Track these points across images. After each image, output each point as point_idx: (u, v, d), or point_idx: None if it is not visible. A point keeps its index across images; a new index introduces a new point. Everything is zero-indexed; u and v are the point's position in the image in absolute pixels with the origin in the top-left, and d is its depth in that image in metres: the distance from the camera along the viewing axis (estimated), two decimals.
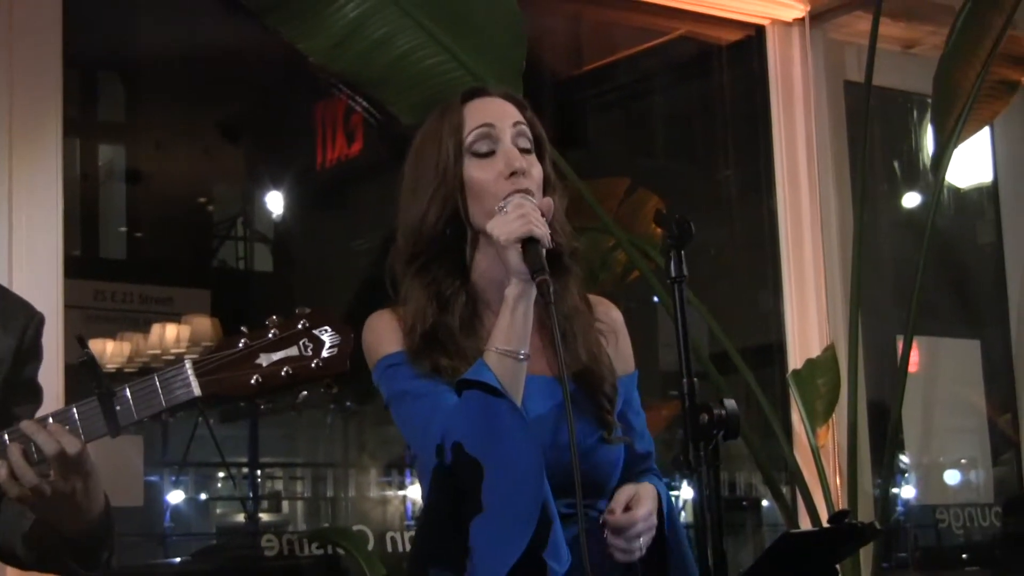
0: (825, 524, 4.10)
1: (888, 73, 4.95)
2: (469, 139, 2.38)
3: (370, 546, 4.65)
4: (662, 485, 2.45)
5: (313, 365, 1.99)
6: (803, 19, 5.06)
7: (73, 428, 2.02)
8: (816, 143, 5.00)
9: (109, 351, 6.47)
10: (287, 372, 1.98)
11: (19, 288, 3.48)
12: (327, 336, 2.00)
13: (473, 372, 2.24)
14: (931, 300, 5.06)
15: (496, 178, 2.35)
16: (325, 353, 1.99)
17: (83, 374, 2.02)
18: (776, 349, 5.02)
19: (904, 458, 5.38)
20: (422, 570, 2.30)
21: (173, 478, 7.08)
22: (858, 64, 5.03)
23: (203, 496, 8.14)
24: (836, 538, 2.35)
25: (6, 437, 2.06)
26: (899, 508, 5.51)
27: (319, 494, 8.77)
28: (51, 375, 3.39)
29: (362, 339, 2.37)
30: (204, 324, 6.23)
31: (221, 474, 8.08)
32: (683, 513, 6.07)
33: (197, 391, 1.99)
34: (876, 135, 5.38)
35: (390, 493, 7.36)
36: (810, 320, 4.94)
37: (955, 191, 5.79)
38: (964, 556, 5.72)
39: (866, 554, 4.44)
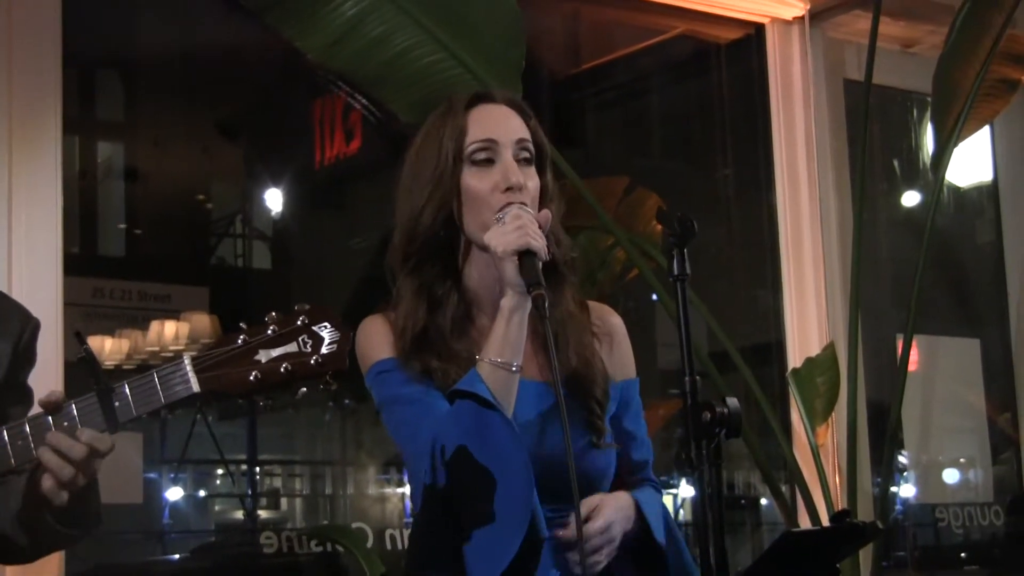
0: (826, 523, 4.11)
1: (888, 72, 4.95)
2: (470, 149, 2.37)
3: (369, 543, 4.65)
4: (658, 495, 2.44)
5: (312, 362, 1.98)
6: (803, 17, 5.05)
7: (72, 425, 2.02)
8: (815, 142, 5.00)
9: (108, 348, 6.48)
10: (286, 368, 1.98)
11: (18, 285, 3.50)
12: (326, 333, 1.99)
13: (466, 383, 2.24)
14: (931, 299, 5.06)
15: (492, 190, 2.34)
16: (324, 350, 1.99)
17: (82, 371, 2.02)
18: (775, 348, 5.02)
19: (903, 457, 5.37)
20: (418, 574, 2.31)
21: (172, 475, 7.09)
22: (858, 63, 5.03)
23: (202, 493, 8.15)
24: (837, 537, 2.34)
25: (5, 433, 2.05)
26: (898, 507, 5.51)
27: (318, 491, 8.78)
28: (51, 373, 3.39)
29: (355, 344, 2.37)
30: (203, 321, 6.23)
31: (220, 471, 8.09)
32: (682, 512, 6.08)
33: (196, 387, 1.98)
34: (876, 134, 5.38)
35: (388, 491, 7.37)
36: (809, 319, 4.93)
37: (955, 190, 5.79)
38: (963, 555, 5.72)
39: (866, 553, 4.44)
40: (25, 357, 2.39)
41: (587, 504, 2.30)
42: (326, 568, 4.84)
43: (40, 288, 3.57)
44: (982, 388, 5.58)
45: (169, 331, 6.41)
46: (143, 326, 6.55)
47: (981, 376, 5.57)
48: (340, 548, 4.64)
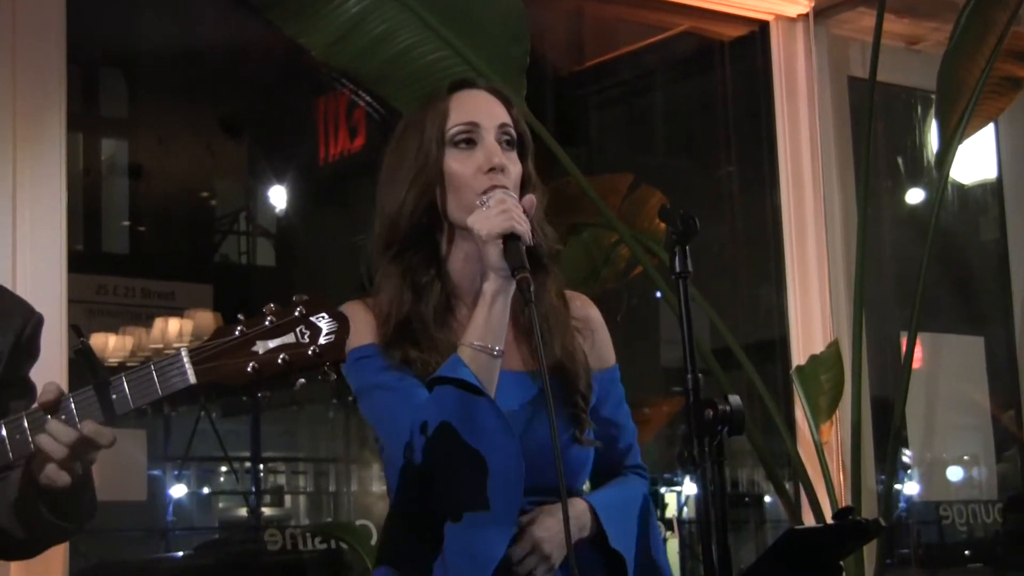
0: (829, 521, 4.11)
1: (892, 69, 4.94)
2: (452, 131, 2.36)
3: (373, 540, 4.65)
4: (642, 483, 2.43)
5: (310, 352, 1.97)
6: (807, 15, 5.05)
7: (70, 418, 2.02)
8: (819, 139, 5.00)
9: (111, 345, 6.48)
10: (284, 359, 1.97)
11: (22, 282, 3.50)
12: (324, 323, 1.98)
13: (448, 368, 2.21)
14: (935, 296, 5.06)
15: (475, 172, 2.32)
16: (322, 340, 1.97)
17: (79, 363, 2.02)
18: (779, 345, 5.02)
19: (907, 454, 5.37)
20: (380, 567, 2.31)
21: (175, 472, 7.10)
22: (862, 60, 5.03)
23: (205, 490, 8.17)
24: (841, 535, 2.34)
25: (3, 428, 2.06)
26: (902, 504, 5.51)
27: (321, 489, 8.79)
28: (54, 369, 3.40)
29: None
30: (206, 318, 6.24)
31: (223, 469, 8.10)
32: (686, 509, 6.08)
33: (193, 379, 1.97)
34: (880, 131, 5.37)
35: None
36: (814, 316, 4.93)
37: (959, 187, 5.78)
38: (967, 553, 5.72)
39: (869, 551, 4.43)
40: (27, 351, 2.39)
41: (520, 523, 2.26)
42: (330, 565, 4.84)
43: (44, 285, 3.57)
44: (986, 385, 5.58)
45: (173, 328, 6.41)
46: (147, 323, 6.55)
47: (985, 373, 5.57)
48: (344, 545, 4.63)
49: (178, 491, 7.19)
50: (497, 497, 2.18)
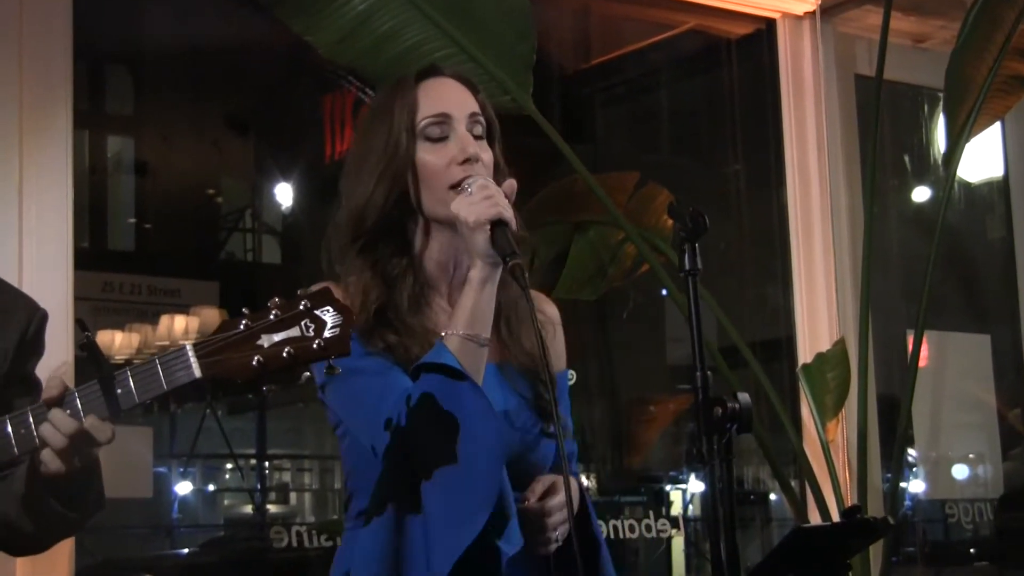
0: (836, 519, 4.11)
1: (899, 67, 4.93)
2: (423, 123, 2.34)
3: None
4: (581, 485, 2.41)
5: (315, 346, 1.97)
6: (814, 13, 5.05)
7: (75, 412, 2.02)
8: (826, 137, 4.99)
9: (118, 342, 6.48)
10: (288, 353, 1.96)
11: (29, 279, 3.50)
12: (329, 317, 1.98)
13: (433, 355, 2.20)
14: (941, 295, 5.05)
15: (448, 164, 2.31)
16: (327, 333, 1.97)
17: (84, 358, 2.02)
18: (786, 343, 5.01)
19: (913, 453, 5.37)
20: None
21: (181, 470, 7.10)
22: (869, 58, 5.02)
23: (211, 488, 8.17)
24: (847, 533, 2.34)
25: (7, 424, 2.06)
26: (908, 503, 5.51)
27: (327, 486, 8.79)
28: (61, 367, 3.40)
29: None
30: (212, 315, 6.23)
31: (229, 466, 8.11)
32: (691, 507, 6.08)
33: (198, 373, 1.97)
34: (886, 129, 5.37)
35: None
36: (820, 314, 4.93)
37: (966, 186, 5.77)
38: (972, 551, 5.72)
39: (876, 549, 4.43)
40: (32, 348, 2.39)
41: (540, 482, 2.29)
42: None
43: (50, 282, 3.57)
44: (992, 384, 5.57)
45: (179, 325, 6.40)
46: (153, 320, 6.54)
47: (991, 372, 5.56)
48: None
49: (184, 488, 7.19)
50: (480, 482, 2.16)
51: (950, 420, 5.46)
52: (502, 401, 2.30)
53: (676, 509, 6.11)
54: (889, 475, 4.66)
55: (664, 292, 4.44)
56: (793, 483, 4.64)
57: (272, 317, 1.98)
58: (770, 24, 5.11)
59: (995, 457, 5.68)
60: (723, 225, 5.41)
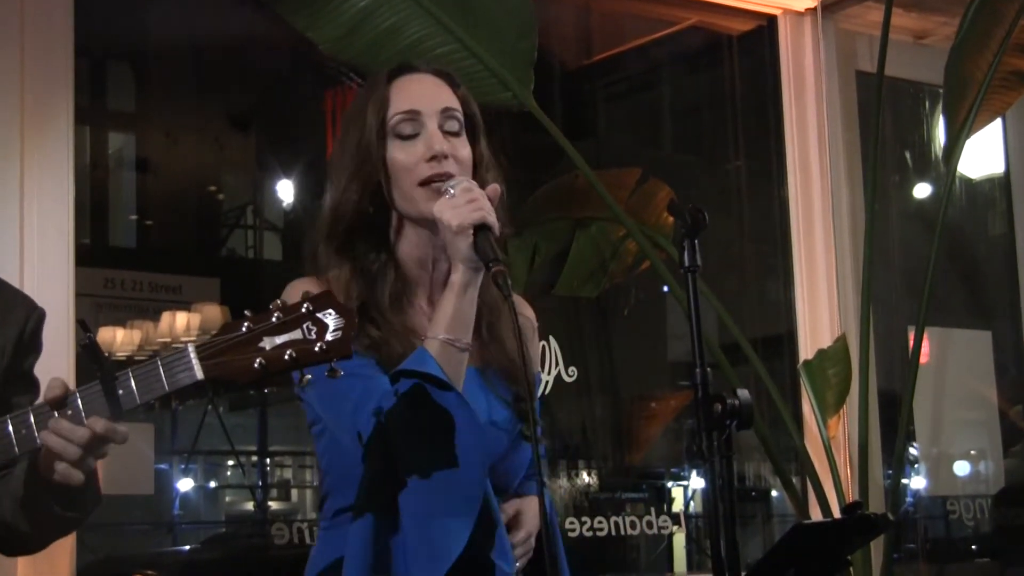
0: (837, 515, 4.11)
1: (900, 63, 4.93)
2: (392, 121, 2.33)
3: None
4: (547, 491, 2.41)
5: (316, 348, 1.97)
6: (815, 9, 5.05)
7: (76, 413, 2.02)
8: (827, 134, 5.00)
9: (119, 339, 6.48)
10: (290, 355, 1.97)
11: (30, 276, 3.51)
12: (331, 319, 1.99)
13: (415, 362, 2.18)
14: (942, 291, 5.05)
15: (417, 161, 2.30)
16: (329, 336, 1.98)
17: (86, 358, 2.02)
18: (787, 340, 5.01)
19: (914, 449, 5.37)
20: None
21: (182, 466, 7.09)
22: (870, 54, 5.02)
23: (212, 484, 8.16)
24: (848, 529, 2.34)
25: (8, 424, 2.06)
26: (909, 499, 5.51)
27: None
28: (61, 363, 3.40)
29: None
30: (214, 312, 6.23)
31: (231, 462, 8.10)
32: (692, 504, 6.07)
33: (199, 374, 1.98)
34: (888, 126, 5.37)
35: None
36: (821, 311, 4.93)
37: (967, 182, 5.78)
38: (973, 547, 5.71)
39: (877, 545, 4.43)
40: (30, 346, 2.40)
41: (505, 512, 2.27)
42: None
43: (52, 279, 3.58)
44: (993, 380, 5.57)
45: (180, 322, 6.41)
46: (154, 317, 6.54)
47: (992, 368, 5.56)
48: None
49: (185, 485, 7.18)
50: (460, 491, 2.16)
51: (951, 416, 5.47)
52: (486, 408, 2.29)
53: (677, 506, 6.10)
54: (890, 471, 4.66)
55: (665, 289, 4.44)
56: (794, 479, 4.65)
57: (274, 319, 1.99)
58: (771, 21, 5.12)
59: (996, 453, 5.69)
60: (724, 221, 5.41)
